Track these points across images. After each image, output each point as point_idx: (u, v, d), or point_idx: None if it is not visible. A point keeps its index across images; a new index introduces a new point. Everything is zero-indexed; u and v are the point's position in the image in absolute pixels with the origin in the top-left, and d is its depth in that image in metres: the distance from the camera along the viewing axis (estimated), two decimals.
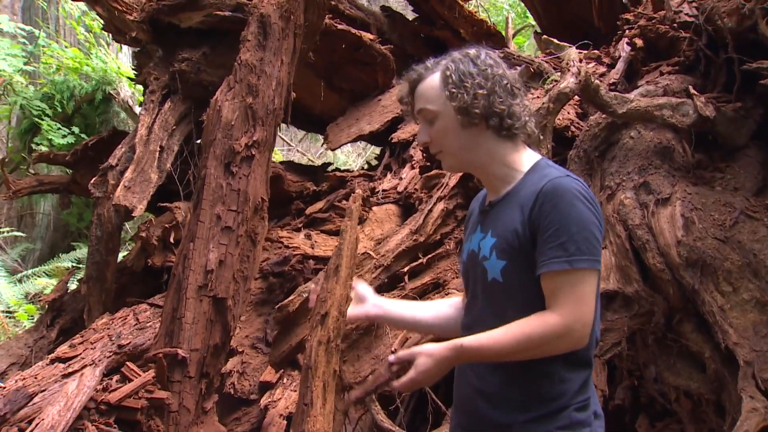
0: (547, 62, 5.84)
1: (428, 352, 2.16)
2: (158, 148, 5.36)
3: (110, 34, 6.70)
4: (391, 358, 2.27)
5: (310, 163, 11.57)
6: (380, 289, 4.69)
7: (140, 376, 3.62)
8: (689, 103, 3.93)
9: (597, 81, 4.03)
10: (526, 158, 2.30)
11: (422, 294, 4.73)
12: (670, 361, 3.69)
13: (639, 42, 5.02)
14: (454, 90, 2.22)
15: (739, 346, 3.26)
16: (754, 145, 3.97)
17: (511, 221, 2.19)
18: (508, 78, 2.25)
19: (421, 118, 2.35)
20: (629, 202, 3.88)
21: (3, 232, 10.90)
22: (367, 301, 2.60)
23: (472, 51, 2.29)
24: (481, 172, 2.40)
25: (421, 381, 2.17)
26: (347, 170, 7.20)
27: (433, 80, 2.28)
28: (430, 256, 4.88)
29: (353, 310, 2.63)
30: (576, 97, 5.01)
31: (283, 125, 4.62)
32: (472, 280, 2.39)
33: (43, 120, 9.60)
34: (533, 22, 10.32)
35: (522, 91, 2.29)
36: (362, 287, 2.64)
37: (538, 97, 5.17)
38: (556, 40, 6.15)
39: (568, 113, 5.26)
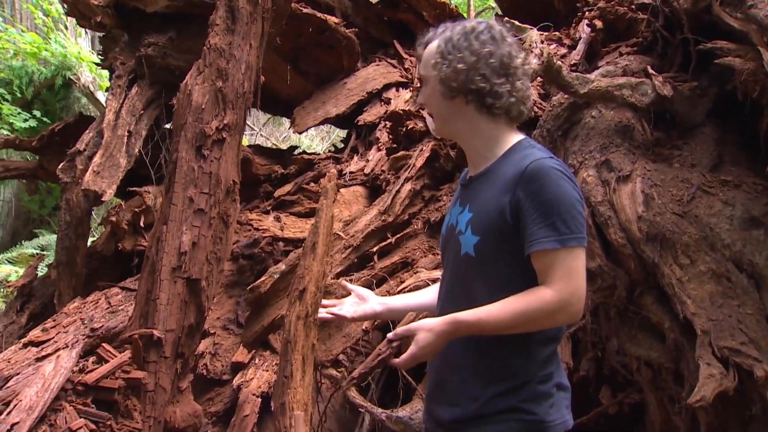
0: None
1: (428, 327, 2.22)
2: (126, 133, 5.37)
3: (74, 19, 6.63)
4: (390, 335, 2.34)
5: (276, 146, 11.56)
6: (350, 269, 4.78)
7: (116, 357, 3.65)
8: (648, 83, 4.03)
9: (559, 62, 4.12)
10: (508, 137, 2.34)
11: (392, 273, 4.82)
12: (631, 333, 3.79)
13: (599, 23, 5.13)
14: (439, 60, 2.31)
15: (696, 316, 3.36)
16: (710, 123, 4.08)
17: (490, 198, 2.25)
18: (500, 57, 2.27)
19: (421, 79, 2.46)
20: (591, 179, 3.97)
21: None
22: (370, 299, 2.68)
23: (472, 25, 2.34)
24: (463, 143, 2.48)
25: (421, 356, 2.23)
26: (314, 153, 7.24)
27: (432, 46, 2.37)
28: (398, 236, 4.96)
29: (360, 310, 2.68)
30: (539, 79, 5.12)
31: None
32: (447, 254, 2.48)
33: (2, 105, 9.49)
34: (494, 5, 10.41)
35: (517, 73, 2.30)
36: (362, 289, 2.71)
37: None
38: (517, 23, 6.22)
39: (531, 94, 5.36)
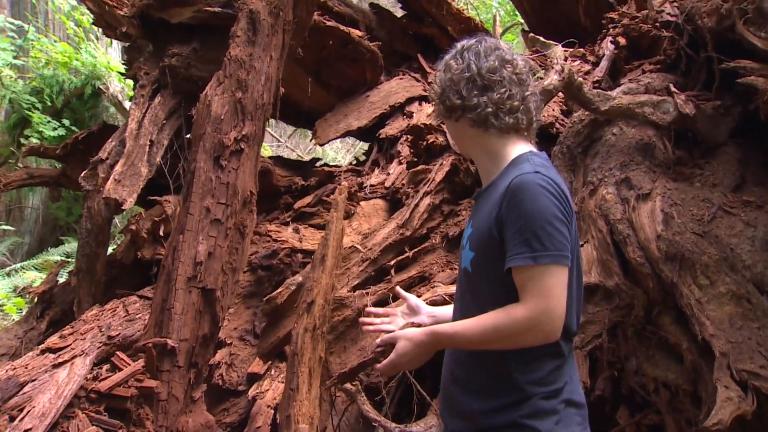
0: (533, 60, 5.90)
1: (407, 336, 2.26)
2: (148, 142, 5.41)
3: (101, 29, 6.71)
4: (378, 340, 2.36)
5: (299, 158, 11.62)
6: (367, 282, 4.75)
7: (130, 365, 3.67)
8: (670, 101, 3.99)
9: (580, 78, 4.10)
10: (510, 150, 2.33)
11: (408, 287, 4.78)
12: (649, 353, 3.73)
13: (622, 40, 5.10)
14: (435, 99, 2.38)
15: (715, 337, 3.31)
16: (733, 143, 4.03)
17: (486, 214, 2.26)
18: (475, 70, 2.29)
19: None
20: (611, 197, 3.94)
21: None
22: (421, 311, 2.65)
23: (464, 44, 2.37)
24: (474, 160, 2.50)
25: (400, 363, 2.27)
26: (335, 165, 7.25)
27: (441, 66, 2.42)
28: (416, 249, 4.93)
29: (409, 324, 2.69)
30: (561, 95, 5.09)
31: (273, 121, 4.68)
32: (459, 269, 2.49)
33: (32, 113, 9.61)
34: (522, 20, 10.39)
35: (505, 81, 2.28)
36: (414, 299, 2.71)
37: None
38: (542, 38, 6.19)
39: (553, 110, 5.33)
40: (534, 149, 2.38)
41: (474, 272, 2.28)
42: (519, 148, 2.34)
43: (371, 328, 2.73)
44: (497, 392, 2.24)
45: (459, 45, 2.38)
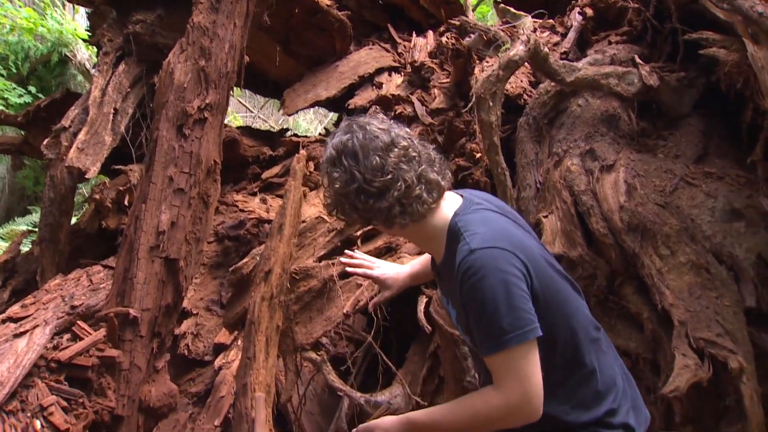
0: (502, 31, 5.87)
1: (384, 426, 2.27)
2: (112, 111, 5.32)
3: None
4: (354, 431, 2.36)
5: (270, 129, 11.55)
6: (333, 253, 4.74)
7: (91, 335, 3.64)
8: (634, 72, 4.00)
9: (546, 49, 4.08)
10: (440, 218, 2.22)
11: (375, 257, 4.78)
12: (611, 323, 3.77)
13: (590, 12, 5.10)
14: (332, 211, 2.25)
15: (674, 306, 3.35)
16: (696, 114, 4.05)
17: (457, 302, 2.19)
18: (360, 179, 2.12)
19: None
20: (575, 168, 3.95)
21: None
22: (399, 278, 2.74)
23: (335, 144, 2.18)
24: (416, 244, 2.46)
25: None
26: (304, 136, 7.19)
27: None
28: None
29: (395, 285, 2.74)
30: (529, 66, 5.09)
31: (245, 92, 4.63)
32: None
33: None
34: None
35: (396, 174, 2.12)
36: (383, 273, 2.76)
37: (491, 65, 5.22)
38: (512, 9, 6.18)
39: (521, 81, 5.32)
40: (456, 197, 2.29)
41: (476, 347, 2.21)
42: (444, 210, 2.23)
43: (355, 270, 2.74)
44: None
45: (332, 147, 2.17)
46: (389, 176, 2.10)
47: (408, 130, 2.25)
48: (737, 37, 3.42)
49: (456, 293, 2.13)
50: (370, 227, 4.84)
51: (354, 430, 2.39)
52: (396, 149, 2.13)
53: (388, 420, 2.29)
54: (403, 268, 2.82)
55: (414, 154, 2.16)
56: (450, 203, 2.25)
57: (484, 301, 2.00)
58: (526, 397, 2.02)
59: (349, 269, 2.82)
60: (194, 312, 5.08)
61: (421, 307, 4.15)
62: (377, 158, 2.10)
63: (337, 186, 2.12)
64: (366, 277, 2.82)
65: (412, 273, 2.77)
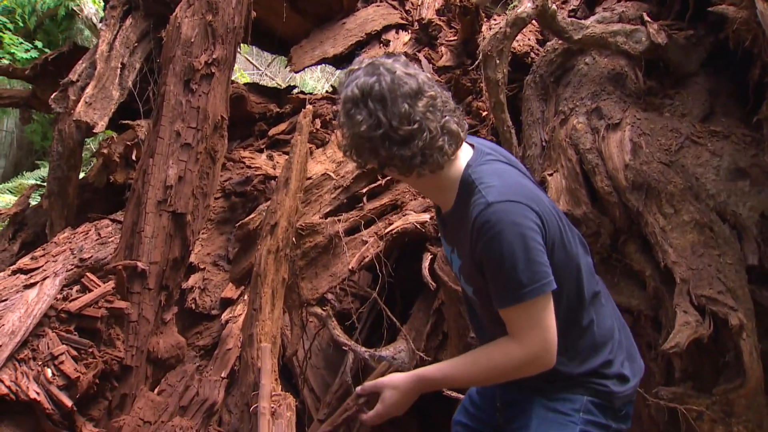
0: None
1: (394, 384, 2.26)
2: (119, 65, 5.32)
3: None
4: (359, 389, 2.36)
5: (277, 87, 11.51)
6: (339, 210, 4.76)
7: (100, 286, 3.69)
8: (642, 30, 3.96)
9: (554, 7, 4.03)
10: (453, 168, 2.19)
11: (380, 214, 4.80)
12: (614, 280, 3.77)
13: None
14: (349, 152, 2.15)
15: (677, 264, 3.35)
16: (704, 73, 4.01)
17: (465, 250, 2.18)
18: (386, 125, 2.04)
19: None
20: (581, 126, 3.93)
21: None
22: None
23: (358, 86, 2.06)
24: (424, 193, 2.41)
25: (388, 413, 2.27)
26: (310, 93, 7.18)
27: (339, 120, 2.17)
28: (388, 177, 4.93)
29: None
30: (537, 24, 5.04)
31: (253, 49, 4.61)
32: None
33: (4, 34, 9.39)
34: None
35: (423, 123, 2.06)
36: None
37: (498, 23, 5.18)
38: None
39: (529, 39, 5.29)
40: (467, 146, 2.27)
41: (480, 300, 2.27)
42: (458, 164, 2.21)
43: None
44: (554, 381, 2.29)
45: (356, 87, 2.05)
46: (416, 125, 2.04)
47: (428, 74, 2.19)
48: None
49: (465, 243, 2.14)
50: (375, 184, 4.88)
51: (359, 387, 2.40)
52: (424, 98, 2.07)
53: (397, 378, 2.29)
54: None
55: (439, 103, 2.11)
56: (462, 153, 2.22)
57: (502, 255, 2.01)
58: (546, 346, 2.08)
59: None
60: (201, 267, 5.12)
61: (425, 264, 4.17)
62: (406, 106, 2.03)
63: (361, 129, 2.03)
64: None
65: None
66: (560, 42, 4.23)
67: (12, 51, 9.24)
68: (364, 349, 4.17)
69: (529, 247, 2.02)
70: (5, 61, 8.71)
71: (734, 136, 3.62)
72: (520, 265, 2.01)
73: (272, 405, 2.68)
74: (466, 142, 2.28)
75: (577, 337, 2.27)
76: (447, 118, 2.12)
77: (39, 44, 9.61)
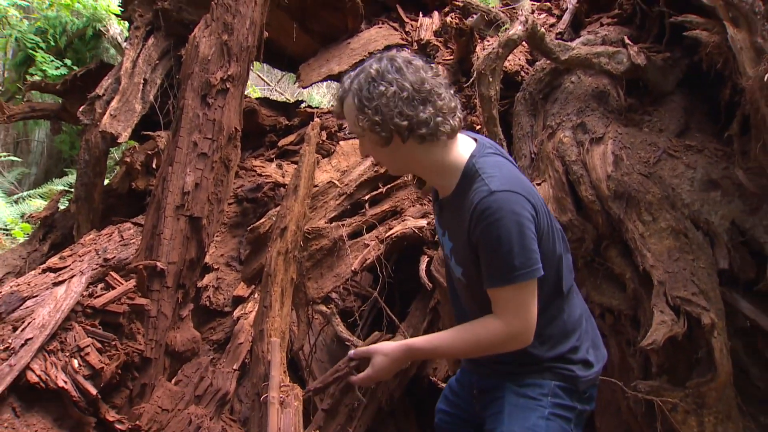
0: (503, 12, 5.83)
1: (384, 351, 2.27)
2: (142, 81, 5.34)
3: None
4: (352, 353, 2.36)
5: (286, 101, 11.52)
6: (343, 215, 4.77)
7: (123, 284, 3.68)
8: (624, 52, 3.97)
9: (543, 29, 4.05)
10: (456, 160, 2.23)
11: (381, 220, 4.81)
12: (596, 282, 3.78)
13: None
14: (361, 117, 2.14)
15: (654, 268, 3.36)
16: (680, 92, 4.03)
17: (460, 233, 2.20)
18: (409, 87, 2.11)
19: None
20: (567, 140, 3.94)
21: (0, 157, 10.80)
22: None
23: (374, 67, 2.14)
24: (422, 175, 2.42)
25: (377, 378, 2.30)
26: (317, 107, 7.19)
27: (349, 103, 2.19)
28: (389, 186, 4.93)
29: None
30: (526, 45, 5.05)
31: (264, 67, 4.63)
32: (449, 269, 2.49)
33: (36, 52, 9.40)
34: None
35: (428, 94, 2.14)
36: None
37: (491, 44, 5.19)
38: None
39: (519, 60, 5.29)
40: (470, 140, 2.32)
41: (467, 282, 2.28)
42: (460, 149, 2.26)
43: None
44: (525, 363, 2.32)
45: (371, 70, 2.14)
46: (431, 87, 2.13)
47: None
48: (718, 20, 3.39)
49: (461, 226, 2.17)
50: (377, 192, 4.88)
51: (352, 351, 2.40)
52: (430, 71, 2.18)
53: (387, 345, 2.30)
54: None
55: (441, 78, 2.22)
56: (465, 144, 2.28)
57: (500, 239, 2.05)
58: (526, 326, 2.12)
59: None
60: (215, 267, 5.13)
61: (423, 266, 4.18)
62: (421, 72, 2.14)
63: (388, 95, 2.08)
64: None
65: None
66: (548, 62, 4.25)
67: (44, 68, 9.23)
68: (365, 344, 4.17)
69: (524, 234, 2.06)
70: (38, 77, 8.70)
71: (707, 150, 3.64)
72: (515, 250, 2.04)
73: (281, 395, 2.68)
74: (470, 136, 2.34)
75: (548, 322, 2.30)
76: (450, 91, 2.22)
77: (68, 62, 9.59)
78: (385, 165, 2.35)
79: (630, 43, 4.02)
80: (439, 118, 2.14)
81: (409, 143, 2.16)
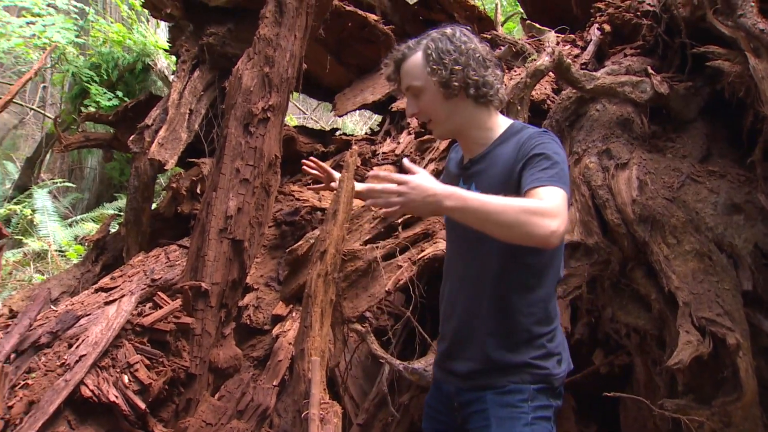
0: (529, 44, 5.81)
1: (428, 176, 2.06)
2: (188, 111, 5.40)
3: (149, 11, 6.69)
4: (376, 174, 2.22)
5: (322, 129, 11.61)
6: (377, 237, 4.75)
7: (169, 304, 3.71)
8: (647, 82, 3.94)
9: (569, 60, 4.05)
10: (500, 122, 2.34)
11: (414, 242, 4.77)
12: (622, 303, 3.74)
13: (607, 27, 5.02)
14: (435, 66, 2.23)
15: (679, 289, 3.31)
16: (702, 119, 3.99)
17: (493, 175, 2.22)
18: (480, 51, 2.27)
19: (409, 93, 2.34)
20: (593, 165, 3.91)
21: (56, 183, 11.01)
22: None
23: (448, 30, 2.31)
24: (463, 136, 2.39)
25: (408, 200, 2.02)
26: (352, 135, 7.22)
27: (416, 59, 2.28)
28: None
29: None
30: (552, 75, 5.04)
31: (299, 96, 4.67)
32: (453, 225, 2.46)
33: (91, 86, 9.61)
34: (521, 10, 10.23)
35: (493, 63, 2.30)
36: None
37: (519, 74, 5.18)
38: (538, 25, 6.13)
39: (545, 89, 5.27)
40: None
41: (535, 181, 2.12)
42: (504, 119, 2.36)
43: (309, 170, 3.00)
44: (509, 334, 2.29)
45: (441, 33, 2.29)
46: (492, 59, 2.31)
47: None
48: (740, 51, 3.37)
49: (496, 165, 2.23)
50: (409, 216, 4.86)
51: (372, 173, 2.27)
52: (494, 61, 2.33)
53: (430, 182, 2.02)
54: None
55: (499, 73, 2.36)
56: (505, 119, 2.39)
57: (551, 153, 2.11)
58: (561, 217, 1.96)
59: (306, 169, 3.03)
60: (255, 287, 5.14)
61: None
62: (475, 41, 2.31)
63: (466, 52, 2.25)
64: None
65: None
66: (574, 91, 4.23)
67: (97, 100, 9.42)
68: (398, 361, 4.14)
69: (564, 170, 2.12)
70: (92, 109, 8.87)
71: (730, 176, 3.59)
72: (561, 166, 2.10)
73: (321, 412, 2.67)
74: None
75: (546, 300, 2.32)
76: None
77: (120, 94, 9.78)
78: (436, 121, 2.29)
79: (653, 72, 3.99)
80: (499, 85, 2.29)
81: (468, 101, 2.27)
